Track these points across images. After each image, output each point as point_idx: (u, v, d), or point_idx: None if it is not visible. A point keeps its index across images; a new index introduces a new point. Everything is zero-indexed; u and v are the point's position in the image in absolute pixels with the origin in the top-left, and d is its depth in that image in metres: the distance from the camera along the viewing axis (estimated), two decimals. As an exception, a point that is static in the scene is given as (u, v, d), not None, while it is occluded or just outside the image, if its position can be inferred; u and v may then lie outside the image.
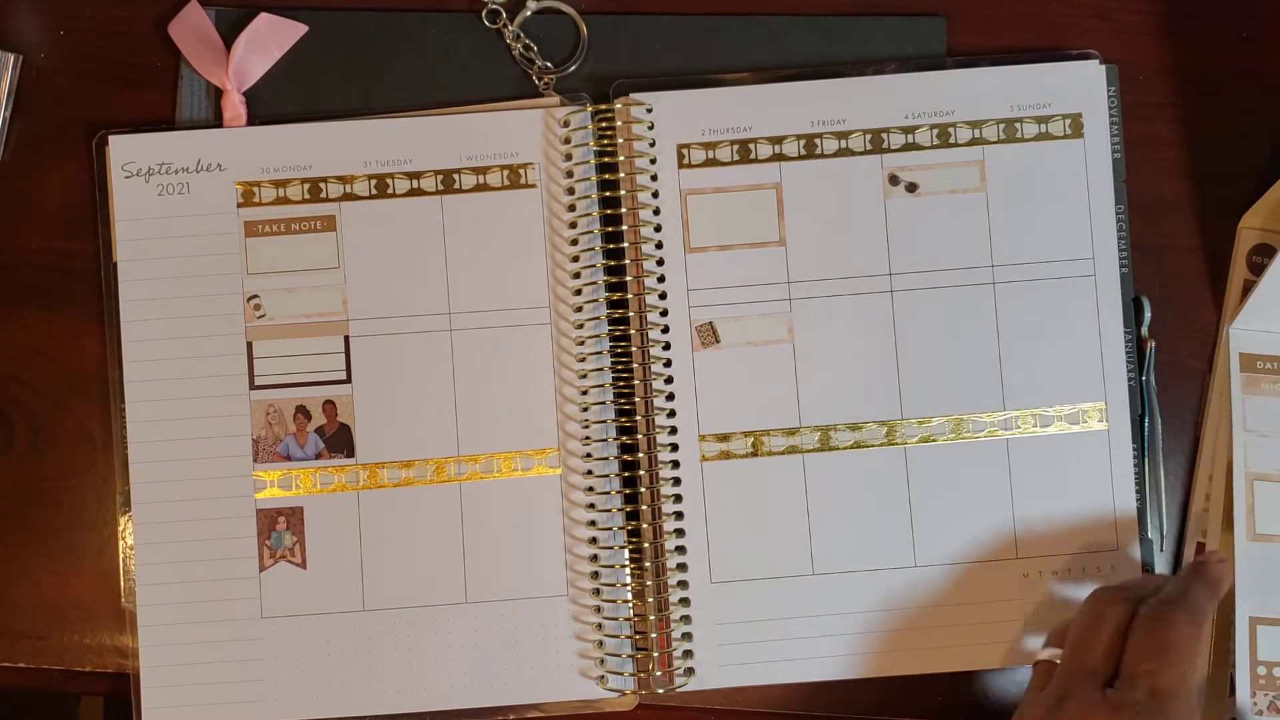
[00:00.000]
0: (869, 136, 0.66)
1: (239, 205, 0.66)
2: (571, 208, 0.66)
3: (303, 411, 0.65)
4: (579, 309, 0.65)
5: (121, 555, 0.65)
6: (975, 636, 0.64)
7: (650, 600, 0.64)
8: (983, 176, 0.66)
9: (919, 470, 0.65)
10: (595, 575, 0.64)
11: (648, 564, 0.64)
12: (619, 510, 0.65)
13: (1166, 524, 0.66)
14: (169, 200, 0.66)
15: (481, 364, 0.65)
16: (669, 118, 0.66)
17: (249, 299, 0.66)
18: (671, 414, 0.65)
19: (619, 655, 0.64)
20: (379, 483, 0.65)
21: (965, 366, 0.65)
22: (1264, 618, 0.62)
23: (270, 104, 0.67)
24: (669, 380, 0.65)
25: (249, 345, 0.65)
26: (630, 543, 0.64)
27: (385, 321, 0.66)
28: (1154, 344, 0.66)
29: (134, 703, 0.64)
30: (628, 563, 0.64)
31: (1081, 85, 0.66)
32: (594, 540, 0.65)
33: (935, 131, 0.66)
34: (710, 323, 0.65)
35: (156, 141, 0.66)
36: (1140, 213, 0.66)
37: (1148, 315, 0.66)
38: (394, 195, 0.66)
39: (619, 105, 0.66)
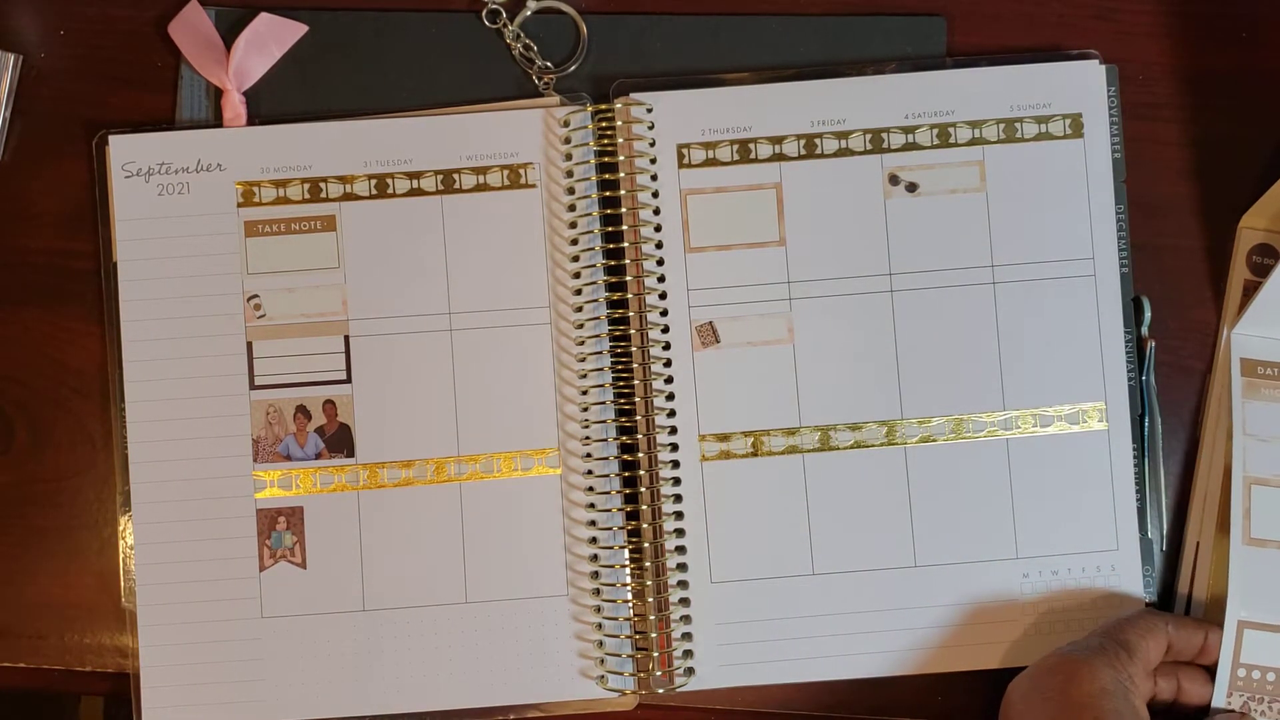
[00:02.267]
0: (869, 136, 0.66)
1: (239, 205, 0.66)
2: (571, 208, 0.66)
3: (303, 411, 0.65)
4: (579, 309, 0.65)
5: (121, 555, 0.65)
6: (975, 636, 0.64)
7: (650, 600, 0.64)
8: (983, 176, 0.66)
9: (919, 470, 0.65)
10: (595, 575, 0.64)
11: (648, 564, 0.64)
12: (619, 510, 0.65)
13: (1166, 524, 0.66)
14: (169, 200, 0.66)
15: (481, 364, 0.65)
16: (669, 118, 0.66)
17: (249, 299, 0.66)
18: (671, 414, 0.65)
19: (619, 655, 0.64)
20: (379, 483, 0.65)
21: (965, 366, 0.65)
22: (1251, 622, 0.62)
23: (270, 104, 0.67)
24: (669, 380, 0.65)
25: (249, 345, 0.65)
26: (630, 543, 0.64)
27: (385, 321, 0.66)
28: (1154, 344, 0.66)
29: (134, 703, 0.64)
30: (628, 563, 0.64)
31: (1081, 85, 0.66)
32: (594, 540, 0.65)
33: (935, 131, 0.66)
34: (710, 322, 0.65)
35: (156, 141, 0.66)
36: (1140, 213, 0.66)
37: (1148, 315, 0.66)
38: (394, 195, 0.66)
39: (619, 105, 0.66)
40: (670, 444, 0.65)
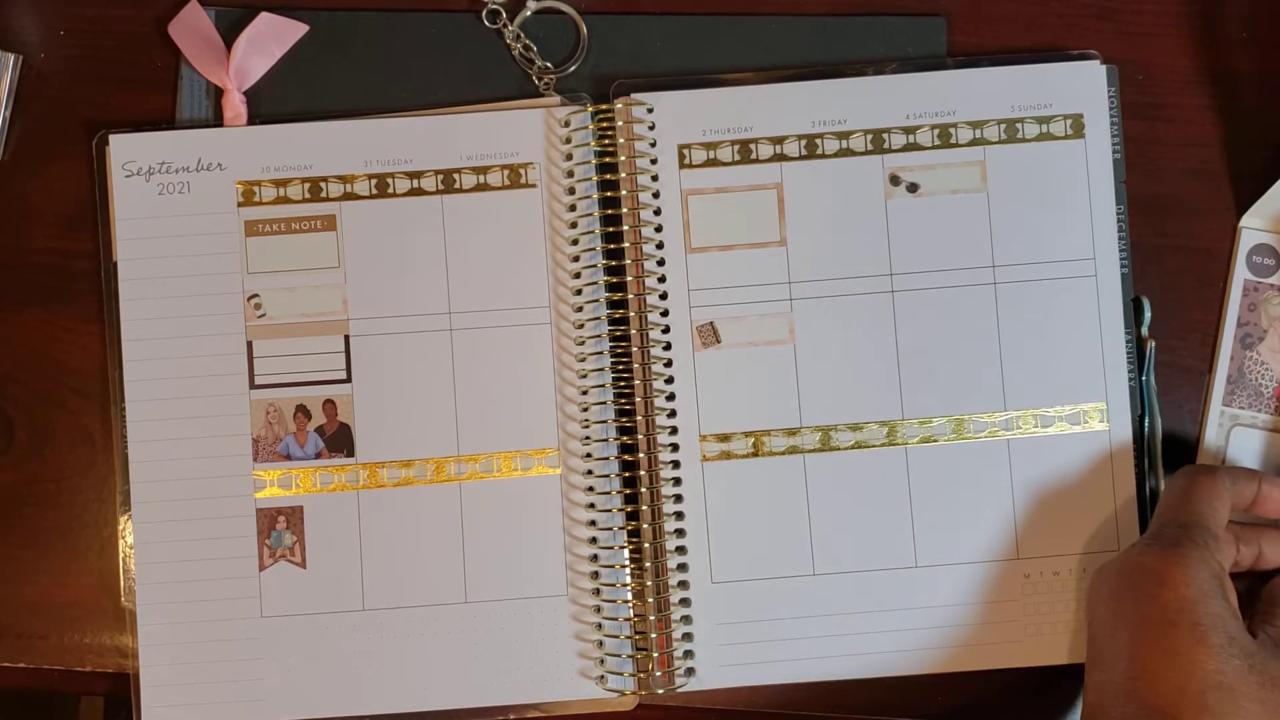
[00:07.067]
0: (870, 137, 0.66)
1: (239, 205, 0.66)
2: (572, 208, 0.66)
3: (303, 411, 0.65)
4: (579, 309, 0.65)
5: (121, 555, 0.65)
6: (976, 637, 0.64)
7: (650, 600, 0.64)
8: (984, 177, 0.66)
9: (920, 470, 0.65)
10: (595, 575, 0.64)
11: (648, 564, 0.64)
12: (619, 510, 0.65)
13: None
14: (169, 200, 0.66)
15: (481, 364, 0.65)
16: (669, 118, 0.66)
17: (249, 298, 0.66)
18: (672, 414, 0.65)
19: (619, 655, 0.64)
20: (379, 482, 0.65)
21: (966, 367, 0.65)
22: None
23: (271, 103, 0.67)
24: (669, 380, 0.65)
25: (249, 345, 0.65)
26: (630, 543, 0.64)
27: (385, 321, 0.66)
28: (1154, 344, 0.66)
29: (134, 703, 0.64)
30: (628, 563, 0.64)
31: (1082, 85, 0.66)
32: (594, 540, 0.65)
33: (936, 132, 0.66)
34: (711, 323, 0.65)
35: (157, 141, 0.66)
36: (1140, 213, 0.66)
37: (1148, 315, 0.66)
38: (394, 195, 0.66)
39: (619, 105, 0.66)
40: (671, 444, 0.65)
